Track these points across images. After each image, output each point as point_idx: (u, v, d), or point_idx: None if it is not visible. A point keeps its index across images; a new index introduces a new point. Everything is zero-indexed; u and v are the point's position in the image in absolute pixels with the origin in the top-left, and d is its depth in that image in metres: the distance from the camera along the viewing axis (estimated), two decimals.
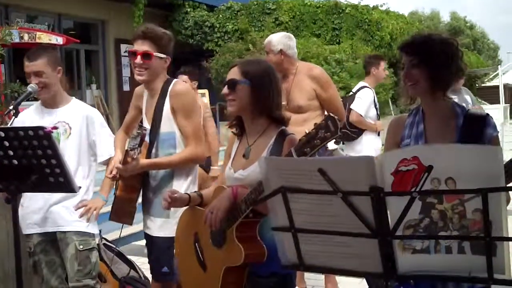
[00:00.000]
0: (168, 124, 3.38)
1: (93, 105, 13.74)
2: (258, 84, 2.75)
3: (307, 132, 2.30)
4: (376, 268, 1.94)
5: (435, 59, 2.47)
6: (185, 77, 5.57)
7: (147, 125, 3.47)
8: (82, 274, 3.61)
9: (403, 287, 2.26)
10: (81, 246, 3.61)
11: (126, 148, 3.41)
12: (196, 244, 2.92)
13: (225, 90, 2.78)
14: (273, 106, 2.78)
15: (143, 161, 3.35)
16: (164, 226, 3.43)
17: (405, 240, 1.89)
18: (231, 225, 2.61)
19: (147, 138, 3.42)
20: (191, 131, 3.33)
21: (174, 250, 3.22)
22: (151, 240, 3.55)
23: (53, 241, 3.70)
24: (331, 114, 2.27)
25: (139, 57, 3.34)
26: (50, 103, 3.71)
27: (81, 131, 3.68)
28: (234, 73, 2.79)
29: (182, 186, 3.40)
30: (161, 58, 3.39)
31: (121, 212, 3.57)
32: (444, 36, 2.55)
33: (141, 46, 3.36)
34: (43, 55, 3.62)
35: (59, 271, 3.75)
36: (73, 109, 3.73)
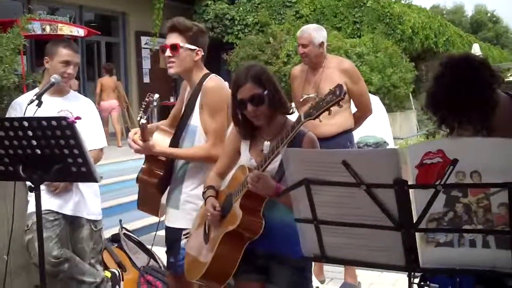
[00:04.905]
0: (195, 118, 3.35)
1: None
2: (272, 89, 2.78)
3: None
4: (398, 260, 1.94)
5: None
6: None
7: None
8: (96, 252, 4.00)
9: (441, 282, 2.22)
10: (96, 227, 3.95)
11: (137, 118, 3.35)
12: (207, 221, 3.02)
13: (251, 109, 2.74)
14: (285, 102, 2.82)
15: (158, 146, 3.33)
16: (174, 216, 3.43)
17: (429, 233, 1.88)
18: (238, 194, 2.73)
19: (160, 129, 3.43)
20: (212, 130, 3.27)
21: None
22: (165, 229, 3.55)
23: (53, 220, 3.76)
24: (339, 83, 2.38)
25: (167, 50, 3.33)
26: (57, 91, 3.85)
27: (82, 121, 3.77)
28: (252, 89, 2.75)
29: (191, 179, 3.38)
30: (191, 49, 3.34)
31: (146, 200, 3.61)
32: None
33: (169, 40, 3.35)
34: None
35: (57, 245, 3.78)
36: (72, 99, 3.95)
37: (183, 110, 3.45)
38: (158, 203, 3.56)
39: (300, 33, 4.86)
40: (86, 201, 3.88)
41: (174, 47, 3.31)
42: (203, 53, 3.40)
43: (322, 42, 4.74)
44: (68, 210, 3.81)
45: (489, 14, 55.75)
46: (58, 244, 3.75)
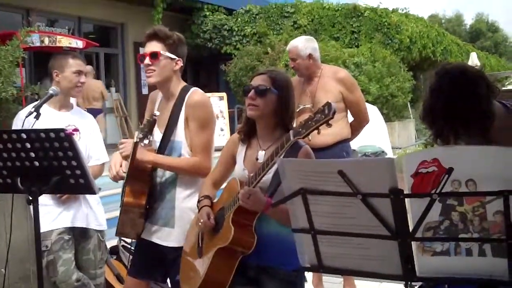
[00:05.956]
0: (180, 133, 3.28)
1: (111, 108, 13.97)
2: (284, 95, 2.82)
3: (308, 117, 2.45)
4: (395, 270, 1.94)
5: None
6: None
7: (158, 132, 3.34)
8: (103, 262, 4.06)
9: None
10: (102, 237, 4.01)
11: (134, 140, 3.16)
12: (200, 232, 3.02)
13: (251, 94, 2.79)
14: (290, 117, 2.86)
15: (150, 154, 3.21)
16: (169, 235, 3.31)
17: (425, 242, 1.89)
18: (230, 210, 2.74)
19: (156, 145, 3.32)
20: (201, 143, 3.22)
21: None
22: (152, 246, 3.37)
23: (68, 240, 3.78)
24: (329, 101, 2.39)
25: (147, 58, 3.25)
26: (64, 106, 3.94)
27: (86, 136, 3.92)
28: (263, 80, 2.81)
29: (183, 194, 3.30)
30: (171, 58, 3.27)
31: (128, 223, 3.33)
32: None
33: (148, 47, 3.28)
34: None
35: (75, 267, 3.82)
36: (78, 114, 4.01)
37: (165, 127, 3.31)
38: (141, 226, 3.33)
39: (288, 48, 4.91)
40: (94, 212, 3.94)
41: (154, 55, 3.24)
42: (182, 64, 3.35)
43: (310, 54, 4.74)
44: (79, 223, 3.84)
45: (488, 24, 55.95)
46: (76, 266, 3.80)
